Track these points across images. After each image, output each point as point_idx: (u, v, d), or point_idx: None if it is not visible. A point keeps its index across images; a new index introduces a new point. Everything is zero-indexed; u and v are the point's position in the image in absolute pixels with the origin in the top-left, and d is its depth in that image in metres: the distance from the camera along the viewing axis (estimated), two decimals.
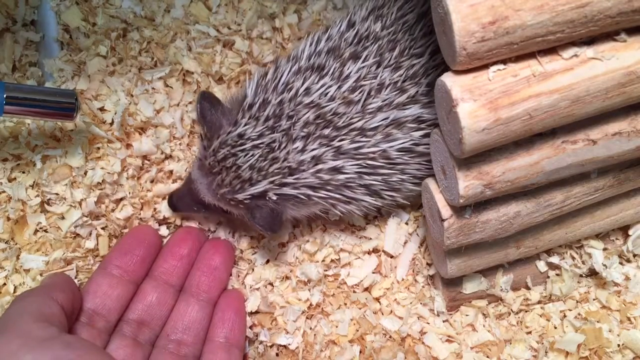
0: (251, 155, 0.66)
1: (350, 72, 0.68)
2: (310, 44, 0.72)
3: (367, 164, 0.67)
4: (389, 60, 0.69)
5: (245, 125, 0.67)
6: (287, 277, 0.77)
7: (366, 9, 0.73)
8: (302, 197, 0.67)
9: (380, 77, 0.68)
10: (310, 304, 0.76)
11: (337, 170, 0.67)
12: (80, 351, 0.54)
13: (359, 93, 0.67)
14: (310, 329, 0.75)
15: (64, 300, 0.62)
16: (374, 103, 0.67)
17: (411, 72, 0.68)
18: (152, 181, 0.80)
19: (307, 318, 0.76)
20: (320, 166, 0.67)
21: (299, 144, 0.66)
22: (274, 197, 0.67)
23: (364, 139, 0.67)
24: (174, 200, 0.76)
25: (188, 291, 0.73)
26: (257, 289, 0.77)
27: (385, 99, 0.67)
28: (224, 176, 0.68)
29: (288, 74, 0.69)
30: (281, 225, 0.69)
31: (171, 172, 0.80)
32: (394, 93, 0.67)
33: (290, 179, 0.67)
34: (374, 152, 0.67)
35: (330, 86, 0.67)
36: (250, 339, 0.74)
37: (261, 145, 0.66)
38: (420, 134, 0.67)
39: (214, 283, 0.73)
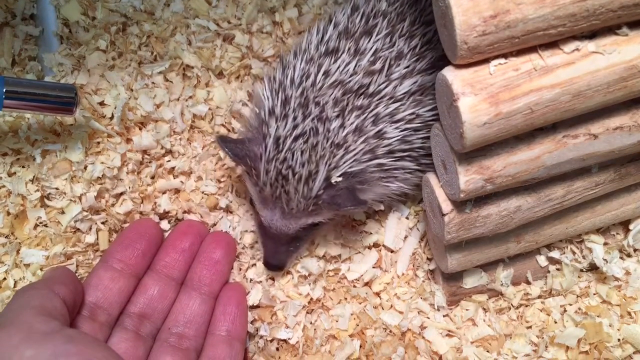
0: (297, 151, 0.66)
1: (366, 47, 0.68)
2: (317, 33, 0.72)
3: (405, 127, 0.67)
4: (402, 30, 0.69)
5: (275, 130, 0.67)
6: (288, 272, 0.77)
7: None
8: (359, 170, 0.67)
9: (397, 46, 0.68)
10: (311, 299, 0.76)
11: (380, 135, 0.67)
12: (81, 345, 0.54)
13: (381, 62, 0.68)
14: (311, 323, 0.75)
15: (65, 294, 0.62)
16: (397, 71, 0.68)
17: (425, 39, 0.69)
18: (152, 176, 0.80)
19: (307, 312, 0.76)
20: (365, 135, 0.66)
21: (336, 122, 0.66)
22: (339, 179, 0.66)
23: (397, 104, 0.67)
24: (273, 262, 0.74)
25: (189, 284, 0.73)
26: (259, 282, 0.77)
27: (407, 66, 0.68)
28: (287, 191, 0.67)
29: (300, 65, 0.69)
30: (365, 198, 0.68)
31: (173, 168, 0.80)
32: (414, 60, 0.68)
33: (341, 155, 0.66)
34: (410, 115, 0.67)
35: (349, 62, 0.68)
36: (251, 333, 0.74)
37: (300, 138, 0.66)
38: None
39: (215, 276, 0.73)
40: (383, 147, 0.67)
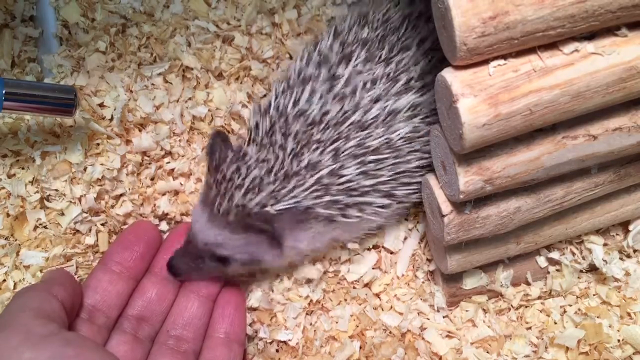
0: (246, 176, 0.65)
1: (342, 73, 0.68)
2: (301, 60, 0.72)
3: (371, 159, 0.66)
4: (380, 57, 0.69)
5: (246, 151, 0.67)
6: (289, 276, 0.77)
7: (351, 17, 0.74)
8: (301, 208, 0.65)
9: (374, 72, 0.68)
10: (311, 300, 0.76)
11: (335, 173, 0.65)
12: (79, 349, 0.54)
13: (352, 87, 0.67)
14: (310, 324, 0.75)
15: (64, 297, 0.62)
16: (368, 96, 0.67)
17: (402, 65, 0.68)
18: (152, 178, 0.80)
19: (307, 314, 0.76)
20: (319, 171, 0.65)
21: (292, 154, 0.66)
22: (273, 212, 0.65)
23: (364, 132, 0.66)
24: (173, 263, 0.70)
25: (188, 287, 0.73)
26: (258, 285, 0.77)
27: (380, 91, 0.67)
28: (226, 191, 0.66)
29: (278, 94, 0.70)
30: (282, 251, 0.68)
31: (172, 170, 0.80)
32: (388, 84, 0.67)
33: (289, 189, 0.65)
34: (378, 144, 0.66)
35: (318, 90, 0.67)
36: (250, 335, 0.74)
37: (259, 165, 0.66)
38: (418, 119, 0.67)
39: (213, 279, 0.73)
40: (339, 184, 0.66)
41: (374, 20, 0.72)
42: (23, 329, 0.54)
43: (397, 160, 0.67)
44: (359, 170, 0.66)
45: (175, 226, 0.79)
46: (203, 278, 0.72)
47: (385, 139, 0.66)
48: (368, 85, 0.67)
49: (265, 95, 0.83)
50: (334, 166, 0.65)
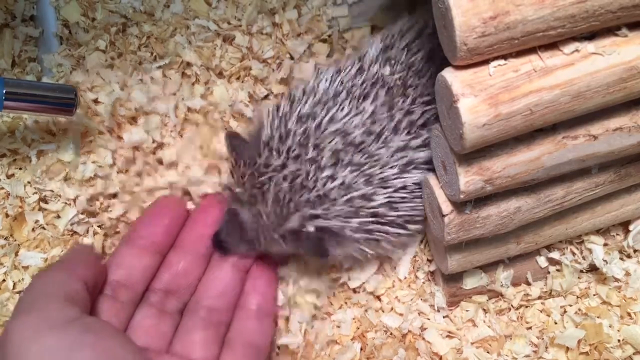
0: (278, 187, 0.65)
1: (365, 107, 0.67)
2: (326, 81, 0.71)
3: (394, 195, 0.66)
4: (401, 104, 0.68)
5: (267, 157, 0.66)
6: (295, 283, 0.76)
7: (376, 49, 0.72)
8: (335, 227, 0.65)
9: (396, 119, 0.67)
10: (315, 305, 0.75)
11: (368, 197, 0.65)
12: (98, 335, 0.53)
13: (379, 125, 0.67)
14: (312, 327, 0.75)
15: (88, 277, 0.61)
16: (393, 142, 0.67)
17: (424, 119, 0.68)
18: (144, 173, 0.79)
19: (311, 318, 0.75)
20: (352, 193, 0.65)
21: (327, 172, 0.65)
22: (311, 229, 0.65)
23: (390, 170, 0.66)
24: (220, 238, 0.71)
25: (220, 258, 0.71)
26: None
27: (402, 140, 0.67)
28: (263, 206, 0.66)
29: (307, 105, 0.68)
30: (333, 249, 0.67)
31: (168, 162, 0.79)
32: (410, 137, 0.67)
33: (320, 210, 0.64)
34: (399, 184, 0.67)
35: (355, 115, 0.67)
36: None
37: (287, 177, 0.65)
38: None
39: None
40: (368, 208, 0.66)
41: (397, 57, 0.71)
42: (44, 314, 0.53)
43: (412, 204, 0.68)
44: (387, 200, 0.66)
45: (204, 200, 0.76)
46: (248, 255, 0.72)
47: (403, 181, 0.67)
48: (392, 132, 0.67)
49: (266, 96, 0.82)
50: (366, 190, 0.65)
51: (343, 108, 0.67)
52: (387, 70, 0.70)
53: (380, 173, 0.66)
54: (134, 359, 0.55)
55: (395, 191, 0.67)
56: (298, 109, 0.68)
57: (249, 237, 0.68)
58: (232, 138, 0.69)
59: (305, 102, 0.68)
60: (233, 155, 0.69)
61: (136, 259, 0.68)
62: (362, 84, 0.69)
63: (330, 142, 0.65)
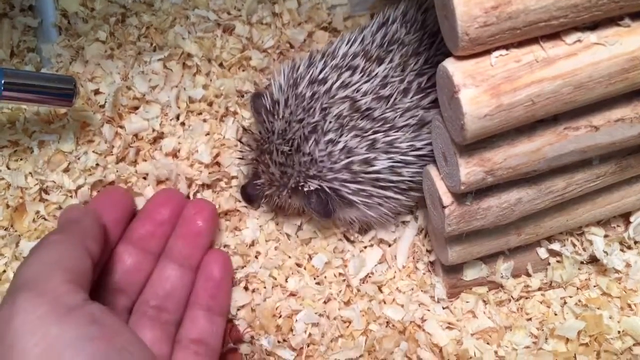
0: (280, 149, 0.68)
1: (378, 72, 0.69)
2: (347, 43, 0.72)
3: (399, 159, 0.68)
4: (414, 65, 0.70)
5: (270, 121, 0.69)
6: (300, 274, 0.76)
7: (398, 9, 0.74)
8: (333, 188, 0.68)
9: (407, 80, 0.69)
10: (324, 301, 0.75)
11: (368, 162, 0.67)
12: (105, 328, 0.51)
13: (389, 89, 0.68)
14: (316, 324, 0.74)
15: (95, 254, 0.58)
16: (401, 103, 0.68)
17: (434, 81, 0.68)
18: (144, 160, 0.79)
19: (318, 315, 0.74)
20: (352, 158, 0.67)
21: (330, 136, 0.67)
22: (312, 189, 0.68)
23: (397, 134, 0.68)
24: (248, 191, 0.76)
25: (168, 257, 0.70)
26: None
27: (411, 100, 0.68)
28: (272, 166, 0.70)
29: (323, 68, 0.70)
30: (334, 210, 0.70)
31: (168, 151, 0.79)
32: (419, 97, 0.69)
33: (316, 171, 0.67)
34: (406, 147, 0.68)
35: (364, 82, 0.68)
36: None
37: (289, 140, 0.67)
38: None
39: (195, 250, 0.71)
40: (367, 173, 0.67)
41: (414, 19, 0.73)
42: (51, 295, 0.50)
43: (420, 169, 0.69)
44: (389, 164, 0.68)
45: (157, 194, 0.75)
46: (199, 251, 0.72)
47: (413, 144, 0.68)
48: (401, 94, 0.69)
49: (267, 87, 0.82)
50: (367, 155, 0.67)
51: (355, 73, 0.69)
52: (403, 30, 0.72)
53: (385, 137, 0.67)
54: (143, 356, 0.52)
55: (402, 154, 0.68)
56: (310, 72, 0.70)
57: (267, 193, 0.72)
58: (256, 98, 0.72)
59: (322, 65, 0.70)
60: (255, 116, 0.72)
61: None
62: (381, 45, 0.71)
63: (337, 107, 0.67)
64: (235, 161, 0.79)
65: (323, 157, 0.67)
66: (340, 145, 0.67)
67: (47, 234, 0.66)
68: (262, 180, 0.72)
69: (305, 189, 0.68)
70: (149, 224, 0.71)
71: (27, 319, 0.49)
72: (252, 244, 0.78)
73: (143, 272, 0.69)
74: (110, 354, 0.49)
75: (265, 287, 0.75)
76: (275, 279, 0.76)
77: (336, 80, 0.69)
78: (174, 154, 0.79)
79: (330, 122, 0.67)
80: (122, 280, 0.67)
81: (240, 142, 0.77)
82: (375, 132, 0.67)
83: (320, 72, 0.70)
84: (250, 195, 0.76)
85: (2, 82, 0.67)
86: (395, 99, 0.68)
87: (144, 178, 0.78)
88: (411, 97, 0.69)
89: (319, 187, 0.68)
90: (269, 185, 0.72)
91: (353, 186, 0.68)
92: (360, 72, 0.69)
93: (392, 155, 0.68)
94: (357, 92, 0.68)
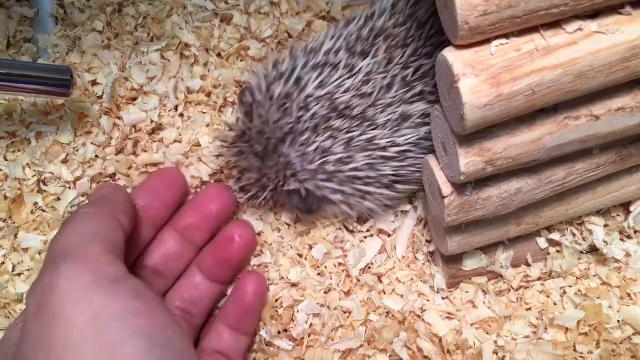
0: (255, 151, 0.67)
1: (361, 67, 0.67)
2: (331, 38, 0.71)
3: (378, 154, 0.67)
4: (399, 58, 0.68)
5: (246, 122, 0.68)
6: (301, 265, 0.76)
7: (385, 3, 0.73)
8: (311, 190, 0.67)
9: (390, 74, 0.68)
10: (324, 292, 0.75)
11: (343, 161, 0.66)
12: (149, 304, 0.50)
13: (371, 86, 0.67)
14: (317, 315, 0.74)
15: (127, 228, 0.58)
16: (383, 99, 0.67)
17: (420, 72, 0.68)
18: (143, 150, 0.78)
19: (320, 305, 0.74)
20: (326, 158, 0.66)
21: (305, 136, 0.66)
22: (291, 188, 0.67)
23: (375, 131, 0.67)
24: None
25: (200, 268, 0.70)
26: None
27: (393, 95, 0.67)
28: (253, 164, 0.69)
29: (304, 66, 0.69)
30: (316, 207, 0.70)
31: (162, 139, 0.79)
32: (403, 90, 0.67)
33: (291, 172, 0.67)
34: (385, 143, 0.67)
35: (346, 79, 0.67)
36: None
37: (263, 141, 0.67)
38: (426, 129, 0.67)
39: (228, 271, 0.71)
40: (344, 172, 0.67)
41: (402, 10, 0.71)
42: (94, 265, 0.49)
43: (401, 163, 0.68)
44: (366, 161, 0.67)
45: (205, 188, 0.75)
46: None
47: (393, 140, 0.67)
48: (384, 89, 0.67)
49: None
50: (342, 155, 0.66)
51: (337, 70, 0.68)
52: (391, 22, 0.70)
53: (362, 135, 0.66)
54: (180, 338, 0.51)
55: (381, 150, 0.67)
56: (289, 70, 0.69)
57: (250, 194, 0.71)
58: (243, 94, 0.71)
59: (302, 62, 0.69)
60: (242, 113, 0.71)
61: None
62: (367, 38, 0.70)
63: (314, 106, 0.66)
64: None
65: (298, 157, 0.66)
66: (314, 146, 0.66)
67: (80, 206, 0.64)
68: (242, 183, 0.71)
69: (285, 188, 0.68)
70: (197, 215, 0.71)
71: (72, 286, 0.47)
72: (258, 234, 0.77)
73: (183, 260, 0.69)
74: (154, 333, 0.48)
75: (269, 279, 0.75)
76: (278, 270, 0.76)
77: (315, 79, 0.67)
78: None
79: (305, 122, 0.66)
80: (161, 263, 0.68)
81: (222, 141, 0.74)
82: (350, 131, 0.66)
83: (301, 69, 0.68)
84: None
85: None
86: (377, 95, 0.67)
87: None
88: (395, 92, 0.67)
89: (297, 188, 0.67)
90: (249, 185, 0.71)
91: (330, 185, 0.67)
92: (343, 68, 0.68)
93: (370, 153, 0.67)
94: (337, 89, 0.67)
